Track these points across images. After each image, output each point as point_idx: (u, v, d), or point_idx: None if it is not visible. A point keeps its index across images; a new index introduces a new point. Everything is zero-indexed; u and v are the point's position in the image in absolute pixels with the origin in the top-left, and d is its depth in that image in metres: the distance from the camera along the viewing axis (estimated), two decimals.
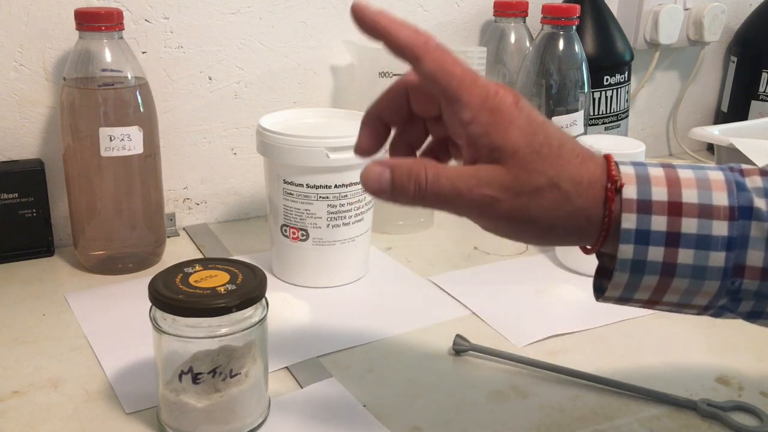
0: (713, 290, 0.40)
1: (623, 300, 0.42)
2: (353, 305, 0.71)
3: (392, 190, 0.41)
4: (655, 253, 0.39)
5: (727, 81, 1.21)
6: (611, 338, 0.65)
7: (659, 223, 0.39)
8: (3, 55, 0.74)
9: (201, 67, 0.83)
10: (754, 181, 0.40)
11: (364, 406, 0.55)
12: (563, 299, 0.71)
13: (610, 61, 0.98)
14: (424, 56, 0.42)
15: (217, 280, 0.49)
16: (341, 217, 0.70)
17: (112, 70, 0.71)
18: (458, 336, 0.62)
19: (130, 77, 0.71)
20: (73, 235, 0.76)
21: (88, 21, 0.69)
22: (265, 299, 0.51)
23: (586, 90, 0.87)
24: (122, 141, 0.70)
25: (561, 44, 0.85)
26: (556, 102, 0.86)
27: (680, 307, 0.42)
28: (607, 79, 0.98)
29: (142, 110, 0.72)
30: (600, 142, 0.75)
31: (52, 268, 0.76)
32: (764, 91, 1.14)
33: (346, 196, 0.70)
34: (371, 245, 0.78)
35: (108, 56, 0.70)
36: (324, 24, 0.89)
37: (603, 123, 1.00)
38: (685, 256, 0.39)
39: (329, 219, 0.70)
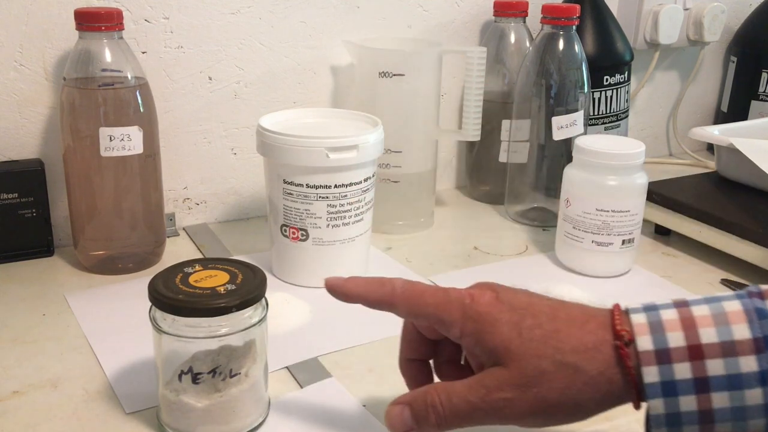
0: (761, 427, 0.38)
1: None
2: (353, 305, 0.70)
3: (417, 425, 0.43)
4: (688, 403, 0.37)
5: (727, 81, 1.21)
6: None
7: (683, 370, 0.37)
8: (3, 55, 0.74)
9: (201, 67, 0.83)
10: None
11: (364, 406, 0.55)
12: (563, 299, 0.71)
13: (610, 61, 0.98)
14: (396, 303, 0.45)
15: (217, 280, 0.49)
16: (341, 217, 0.70)
17: (112, 70, 0.71)
18: None
19: (130, 77, 0.71)
20: (73, 235, 0.76)
21: (88, 21, 0.69)
22: (265, 299, 0.51)
23: (586, 90, 0.87)
24: (122, 141, 0.70)
25: (561, 44, 0.85)
26: (556, 102, 0.86)
27: None
28: (607, 79, 0.98)
29: (142, 110, 0.72)
30: (600, 142, 0.75)
31: (52, 268, 0.76)
32: (764, 91, 1.14)
33: (345, 196, 0.70)
34: (371, 245, 0.78)
35: (108, 56, 0.70)
36: (324, 24, 0.89)
37: (603, 123, 1.00)
38: (720, 399, 0.37)
39: (329, 219, 0.70)
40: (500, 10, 0.93)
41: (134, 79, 0.72)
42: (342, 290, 0.47)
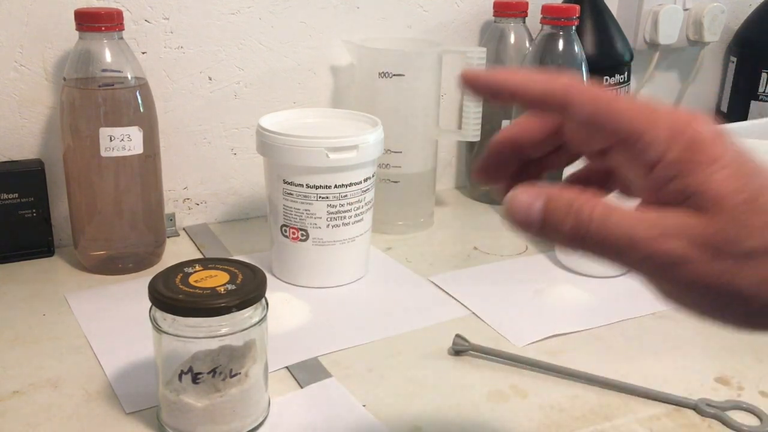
0: None
1: None
2: (353, 305, 0.71)
3: (543, 225, 0.32)
4: None
5: (726, 81, 1.21)
6: (611, 338, 0.65)
7: None
8: (3, 55, 0.74)
9: (201, 67, 0.83)
10: None
11: (364, 406, 0.55)
12: (563, 299, 0.71)
13: (610, 61, 0.98)
14: (572, 100, 0.32)
15: (217, 280, 0.49)
16: (341, 217, 0.70)
17: (112, 71, 0.71)
18: (458, 336, 0.62)
19: (130, 77, 0.71)
20: (73, 235, 0.76)
21: (88, 21, 0.69)
22: (265, 299, 0.51)
23: None
24: (122, 141, 0.70)
25: (560, 44, 0.85)
26: None
27: None
28: (606, 80, 0.98)
29: (142, 110, 0.72)
30: None
31: (52, 268, 0.76)
32: (764, 91, 1.14)
33: (345, 196, 0.70)
34: (371, 245, 0.78)
35: (108, 56, 0.70)
36: (324, 24, 0.89)
37: None
38: None
39: (329, 219, 0.70)
40: (500, 10, 0.93)
41: (134, 79, 0.72)
42: (487, 80, 0.34)
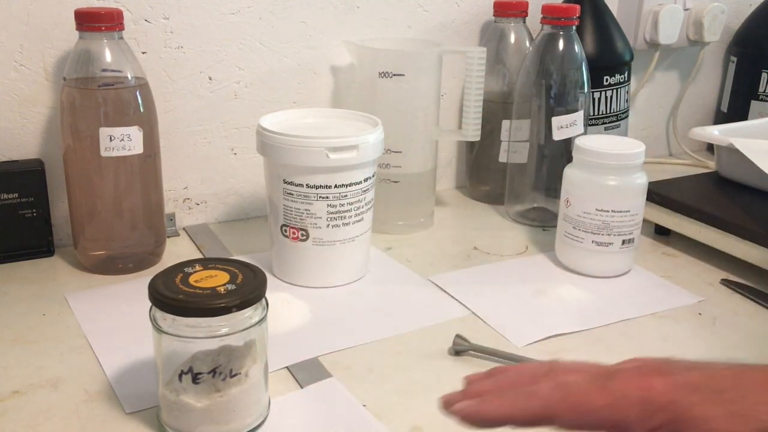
0: None
1: None
2: (353, 305, 0.71)
3: None
4: None
5: (727, 81, 1.21)
6: (611, 338, 0.65)
7: None
8: (3, 55, 0.74)
9: (201, 67, 0.83)
10: None
11: (364, 406, 0.55)
12: (563, 299, 0.71)
13: (610, 61, 0.98)
14: (557, 414, 0.37)
15: (217, 280, 0.49)
16: (341, 217, 0.70)
17: (112, 70, 0.71)
18: (458, 336, 0.62)
19: (130, 77, 0.71)
20: (73, 235, 0.76)
21: (88, 21, 0.69)
22: (265, 299, 0.51)
23: (586, 90, 0.87)
24: (122, 141, 0.70)
25: (561, 44, 0.85)
26: (556, 102, 0.86)
27: None
28: (606, 79, 0.98)
29: (142, 110, 0.72)
30: (600, 142, 0.75)
31: (52, 268, 0.76)
32: (764, 91, 1.14)
33: (346, 196, 0.70)
34: (371, 245, 0.78)
35: (108, 56, 0.70)
36: (324, 24, 0.89)
37: (603, 123, 1.00)
38: None
39: (329, 219, 0.70)
40: (500, 10, 0.93)
41: (134, 79, 0.72)
42: (480, 416, 0.39)
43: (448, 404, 0.40)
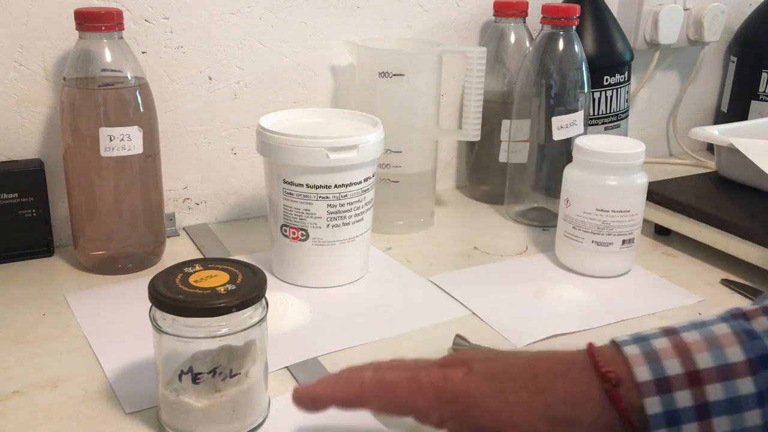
0: None
1: None
2: (353, 305, 0.71)
3: None
4: (691, 431, 0.37)
5: (727, 81, 1.21)
6: (611, 338, 0.65)
7: (684, 398, 0.37)
8: (3, 55, 0.74)
9: (201, 67, 0.83)
10: (761, 324, 0.38)
11: None
12: (563, 299, 0.71)
13: (610, 61, 0.98)
14: (366, 400, 0.43)
15: (217, 280, 0.49)
16: (341, 217, 0.70)
17: (112, 70, 0.71)
18: (458, 336, 0.62)
19: (130, 77, 0.71)
20: (73, 235, 0.76)
21: (88, 21, 0.69)
22: (265, 299, 0.51)
23: (586, 90, 0.87)
24: (122, 141, 0.70)
25: (561, 44, 0.85)
26: (556, 102, 0.86)
27: None
28: (606, 79, 0.98)
29: (142, 110, 0.72)
30: (600, 142, 0.75)
31: (52, 268, 0.76)
32: (764, 91, 1.14)
33: (346, 196, 0.70)
34: (371, 245, 0.78)
35: (108, 56, 0.70)
36: (324, 24, 0.89)
37: (603, 123, 1.00)
38: (721, 424, 0.37)
39: (329, 219, 0.70)
40: (500, 10, 0.93)
41: (134, 79, 0.72)
42: (311, 396, 0.45)
43: (295, 391, 0.45)
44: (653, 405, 0.37)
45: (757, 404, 0.36)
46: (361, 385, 0.43)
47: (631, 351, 0.38)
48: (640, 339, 0.39)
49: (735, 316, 0.40)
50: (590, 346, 0.41)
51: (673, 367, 0.37)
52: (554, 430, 0.38)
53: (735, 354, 0.37)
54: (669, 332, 0.39)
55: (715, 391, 0.37)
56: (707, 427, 0.37)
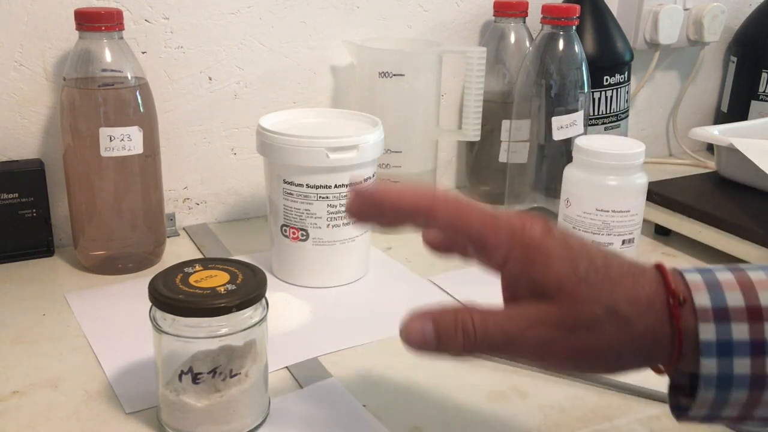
0: None
1: (710, 418, 0.38)
2: (353, 305, 0.71)
3: (438, 344, 0.39)
4: (742, 366, 0.36)
5: (727, 81, 1.21)
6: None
7: (741, 331, 0.36)
8: (3, 55, 0.74)
9: (201, 67, 0.83)
10: None
11: (364, 406, 0.55)
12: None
13: (610, 61, 0.98)
14: (436, 212, 0.40)
15: (217, 280, 0.49)
16: (341, 217, 0.70)
17: (112, 70, 0.71)
18: None
19: (130, 77, 0.71)
20: (73, 235, 0.76)
21: (88, 21, 0.69)
22: (265, 299, 0.51)
23: (586, 90, 0.87)
24: (122, 141, 0.70)
25: (561, 44, 0.85)
26: (556, 102, 0.86)
27: None
28: (606, 80, 0.98)
29: (142, 110, 0.72)
30: (600, 142, 0.75)
31: (52, 268, 0.76)
32: (764, 91, 1.14)
33: (346, 195, 0.70)
34: (371, 245, 0.78)
35: (108, 56, 0.70)
36: (324, 24, 0.89)
37: (603, 123, 1.00)
38: None
39: (329, 219, 0.70)
40: (500, 10, 0.93)
41: (134, 79, 0.72)
42: (375, 194, 0.41)
43: (353, 190, 0.42)
44: (707, 331, 0.36)
45: None
46: (434, 195, 0.40)
47: (693, 278, 0.37)
48: (704, 270, 0.38)
49: None
50: (659, 264, 0.39)
51: (734, 299, 0.36)
52: (609, 321, 0.37)
53: None
54: (735, 269, 0.38)
55: None
56: (760, 365, 0.36)
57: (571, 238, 0.39)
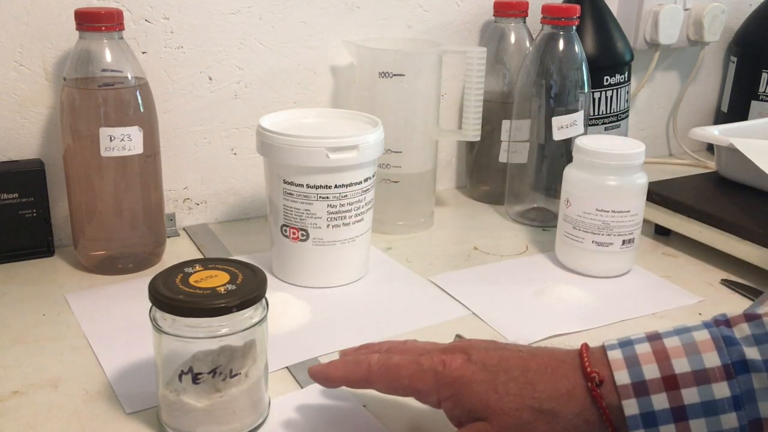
0: None
1: None
2: (353, 305, 0.71)
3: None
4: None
5: (727, 81, 1.21)
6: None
7: (660, 401, 0.39)
8: (3, 55, 0.74)
9: (201, 67, 0.83)
10: (741, 330, 0.40)
11: (364, 406, 0.55)
12: (563, 299, 0.71)
13: (610, 61, 0.98)
14: (373, 380, 0.48)
15: (217, 280, 0.49)
16: (341, 217, 0.70)
17: (112, 70, 0.71)
18: (458, 336, 0.62)
19: (130, 77, 0.71)
20: (73, 235, 0.76)
21: (88, 21, 0.69)
22: (265, 299, 0.51)
23: (586, 90, 0.87)
24: (122, 141, 0.70)
25: (561, 44, 0.85)
26: (556, 102, 0.86)
27: None
28: (607, 80, 0.98)
29: (142, 110, 0.72)
30: (600, 142, 0.75)
31: (52, 268, 0.76)
32: (764, 91, 1.14)
33: (346, 196, 0.70)
34: (371, 245, 0.78)
35: (108, 56, 0.70)
36: (324, 24, 0.89)
37: (603, 123, 1.00)
38: (698, 426, 0.39)
39: (329, 219, 0.70)
40: (500, 11, 0.93)
41: (134, 79, 0.72)
42: (324, 375, 0.50)
43: (311, 369, 0.50)
44: (631, 407, 0.39)
45: (733, 408, 0.38)
46: (369, 367, 0.47)
47: (614, 355, 0.41)
48: (625, 343, 0.42)
49: (718, 322, 0.42)
50: (583, 346, 0.43)
51: (651, 371, 0.40)
52: (537, 420, 0.41)
53: (711, 360, 0.39)
54: (652, 337, 0.42)
55: (691, 395, 0.39)
56: (684, 429, 0.39)
57: (489, 358, 0.44)
